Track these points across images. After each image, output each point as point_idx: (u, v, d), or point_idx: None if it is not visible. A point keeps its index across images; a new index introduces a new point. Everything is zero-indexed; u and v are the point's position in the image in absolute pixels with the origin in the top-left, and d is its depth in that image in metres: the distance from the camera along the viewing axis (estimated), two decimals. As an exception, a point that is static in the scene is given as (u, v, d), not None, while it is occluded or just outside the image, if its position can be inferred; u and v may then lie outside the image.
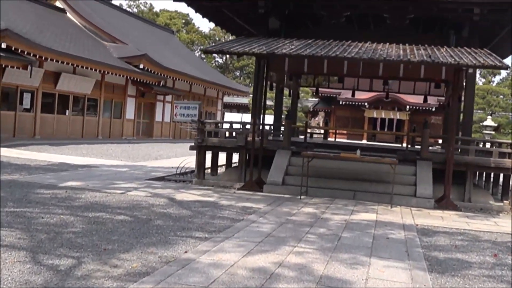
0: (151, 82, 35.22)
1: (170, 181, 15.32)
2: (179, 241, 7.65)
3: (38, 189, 11.71)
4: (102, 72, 31.00)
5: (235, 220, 9.58)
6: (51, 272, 5.87)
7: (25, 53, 23.86)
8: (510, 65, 14.19)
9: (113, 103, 34.69)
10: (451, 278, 6.75)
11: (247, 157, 15.22)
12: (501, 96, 55.38)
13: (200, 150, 15.65)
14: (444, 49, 13.93)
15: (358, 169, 14.12)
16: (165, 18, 79.75)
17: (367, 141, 44.81)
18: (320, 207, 11.69)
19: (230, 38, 41.62)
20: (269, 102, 25.00)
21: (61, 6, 35.69)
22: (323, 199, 13.05)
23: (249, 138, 14.84)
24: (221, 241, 7.75)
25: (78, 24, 35.36)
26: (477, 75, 46.11)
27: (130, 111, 36.31)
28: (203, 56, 72.17)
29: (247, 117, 34.09)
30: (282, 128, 17.14)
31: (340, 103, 50.60)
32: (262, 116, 15.89)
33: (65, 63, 27.14)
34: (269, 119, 19.52)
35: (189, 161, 17.80)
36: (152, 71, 34.36)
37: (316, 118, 54.35)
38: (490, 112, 50.03)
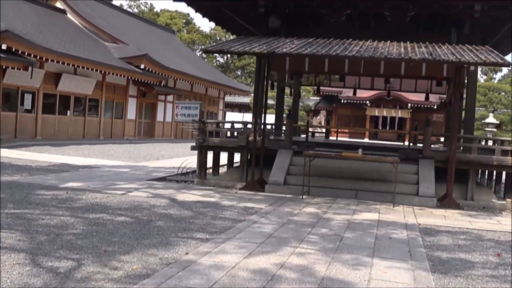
0: (152, 82, 35.19)
1: (171, 182, 15.28)
2: (180, 242, 7.60)
3: (39, 190, 11.67)
4: (103, 72, 30.99)
5: (237, 221, 9.52)
6: (51, 274, 5.82)
7: (26, 54, 23.85)
8: (511, 62, 14.08)
9: (114, 104, 34.67)
10: (454, 278, 6.69)
11: (249, 157, 15.16)
12: (503, 93, 55.29)
13: (202, 150, 15.60)
14: (445, 46, 13.86)
15: (360, 168, 14.06)
16: (166, 18, 79.71)
17: (369, 139, 44.76)
18: (322, 207, 11.63)
19: (231, 37, 41.58)
20: (270, 101, 24.99)
21: (61, 7, 35.67)
22: (325, 198, 13.00)
23: (251, 138, 14.78)
24: (222, 242, 7.69)
25: (79, 24, 35.33)
26: (479, 72, 46.00)
27: (131, 111, 36.29)
28: (204, 55, 72.11)
29: (248, 117, 34.05)
30: (284, 128, 17.10)
31: (342, 101, 50.56)
32: (263, 115, 15.82)
33: (65, 63, 27.13)
34: (270, 118, 19.49)
35: (191, 161, 17.78)
36: (153, 71, 34.33)
37: (318, 117, 54.28)
38: (492, 109, 49.95)
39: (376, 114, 51.70)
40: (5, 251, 6.58)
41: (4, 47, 22.40)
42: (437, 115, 48.94)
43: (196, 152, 15.87)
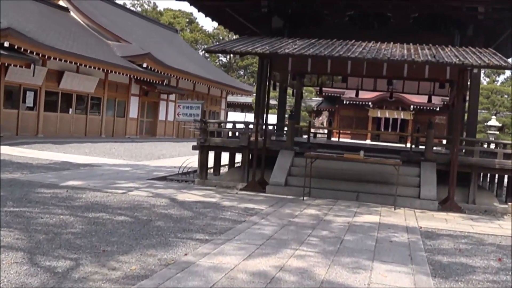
0: (154, 81, 35.17)
1: (172, 181, 15.22)
2: (179, 243, 7.56)
3: (39, 188, 11.63)
4: (105, 71, 30.95)
5: (237, 222, 9.48)
6: (48, 274, 5.78)
7: (28, 51, 23.87)
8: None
9: (117, 102, 34.65)
10: (455, 283, 6.63)
11: (250, 157, 15.12)
12: (506, 96, 55.20)
13: (203, 150, 15.55)
14: (449, 48, 13.80)
15: (362, 170, 14.00)
16: (169, 17, 79.70)
17: (371, 141, 44.70)
18: (323, 209, 11.58)
19: (234, 37, 41.54)
20: (273, 102, 24.96)
21: (65, 5, 35.66)
22: (326, 200, 12.94)
23: (252, 138, 14.74)
24: (222, 243, 7.65)
25: (82, 23, 35.33)
26: (481, 75, 45.96)
27: (133, 110, 36.26)
28: (207, 55, 72.05)
29: (250, 117, 34.11)
30: (286, 128, 17.05)
31: (344, 102, 50.54)
32: (265, 116, 15.77)
33: (68, 61, 27.11)
34: (272, 118, 19.45)
35: (192, 160, 17.73)
36: (156, 70, 34.32)
37: (320, 118, 54.22)
38: (495, 112, 49.86)
39: (379, 115, 51.66)
40: (3, 249, 6.54)
41: (6, 44, 22.40)
42: (439, 117, 48.88)
43: (197, 151, 15.82)
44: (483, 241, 9.50)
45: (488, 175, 17.47)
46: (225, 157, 17.26)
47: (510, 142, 15.31)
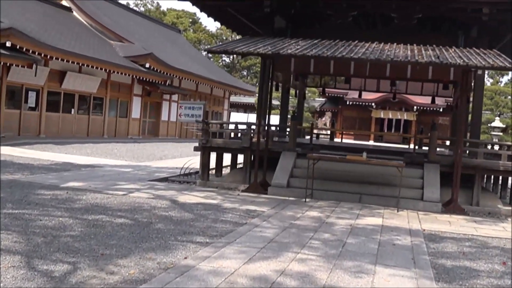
0: (157, 81, 35.08)
1: (173, 182, 15.14)
2: (179, 246, 7.46)
3: (39, 190, 11.55)
4: (108, 71, 30.88)
5: (238, 224, 9.38)
6: (45, 278, 5.69)
7: (30, 51, 23.80)
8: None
9: (119, 102, 34.58)
10: (459, 287, 6.53)
11: (252, 159, 15.02)
12: (509, 97, 55.02)
13: (205, 151, 15.47)
14: (453, 49, 13.68)
15: (364, 172, 13.90)
16: (172, 17, 79.69)
17: (374, 142, 44.59)
18: (325, 211, 11.48)
19: (237, 37, 41.47)
20: (275, 102, 24.85)
21: (68, 5, 35.61)
22: (329, 202, 12.84)
23: (254, 139, 14.64)
24: (223, 246, 7.55)
25: (84, 23, 35.28)
26: (485, 76, 45.82)
27: (136, 110, 36.18)
28: (210, 55, 72.00)
29: (253, 117, 33.99)
30: (288, 129, 16.95)
31: (347, 103, 50.46)
32: (267, 116, 15.69)
33: (70, 61, 27.04)
34: (275, 119, 19.35)
35: (194, 161, 17.64)
36: (158, 70, 34.23)
37: (323, 118, 54.16)
38: (498, 113, 49.72)
39: (382, 116, 51.54)
40: (1, 253, 6.46)
41: (8, 44, 22.34)
42: (442, 118, 48.80)
43: (199, 152, 15.73)
44: (487, 244, 9.38)
45: (492, 176, 17.35)
46: (227, 158, 17.17)
47: (514, 143, 15.19)
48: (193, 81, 40.35)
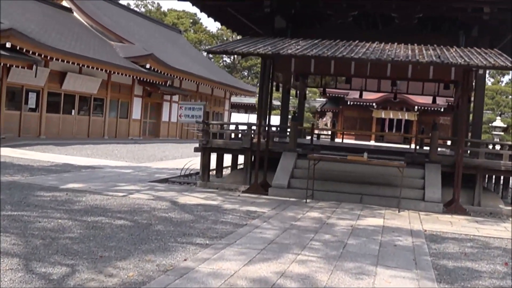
0: (157, 82, 35.03)
1: (174, 183, 15.09)
2: (178, 248, 7.41)
3: (38, 191, 11.50)
4: (108, 71, 30.84)
5: (238, 225, 9.33)
6: (43, 281, 5.64)
7: (30, 52, 23.75)
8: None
9: (120, 103, 34.53)
10: (461, 289, 6.49)
11: (253, 159, 14.97)
12: (510, 97, 54.96)
13: (205, 152, 15.41)
14: (454, 49, 13.63)
15: (365, 172, 13.84)
16: (173, 18, 79.65)
17: (375, 142, 44.53)
18: (326, 212, 11.42)
19: (238, 37, 41.42)
20: (276, 103, 24.81)
21: (68, 6, 35.58)
22: (329, 202, 12.78)
23: (255, 140, 14.59)
24: (222, 248, 7.49)
25: (85, 23, 35.25)
26: (486, 75, 45.74)
27: (136, 111, 36.13)
28: (210, 56, 71.95)
29: (254, 118, 33.94)
30: (289, 130, 16.89)
31: (348, 103, 50.38)
32: (268, 117, 15.64)
33: (71, 62, 27.00)
34: (275, 120, 19.29)
35: (195, 162, 17.59)
36: (159, 71, 34.18)
37: (324, 119, 54.10)
38: (499, 113, 49.65)
39: (383, 116, 51.48)
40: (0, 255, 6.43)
41: (8, 45, 22.29)
42: (443, 117, 48.73)
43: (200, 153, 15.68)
44: (489, 245, 9.33)
45: (493, 176, 17.29)
46: (227, 159, 17.12)
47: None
48: (193, 81, 40.30)
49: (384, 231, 9.70)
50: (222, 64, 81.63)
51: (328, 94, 48.53)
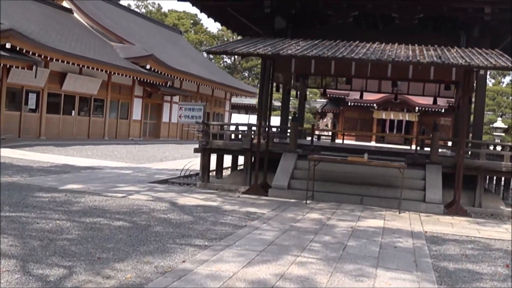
0: (158, 83, 34.99)
1: (173, 184, 15.04)
2: (177, 250, 7.35)
3: (37, 192, 11.45)
4: (108, 72, 30.81)
5: (238, 227, 9.27)
6: (40, 283, 5.59)
7: (30, 53, 23.71)
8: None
9: (120, 104, 34.49)
10: (462, 291, 6.43)
11: (253, 160, 14.91)
12: (511, 98, 54.89)
13: (205, 153, 15.35)
14: (454, 49, 13.57)
15: (366, 173, 13.78)
16: (174, 19, 79.61)
17: (376, 142, 44.47)
18: (326, 213, 11.36)
19: (239, 38, 41.33)
20: (277, 103, 24.76)
21: (68, 6, 35.53)
22: (330, 204, 12.72)
23: (255, 141, 14.53)
24: (222, 249, 7.44)
25: (85, 24, 35.21)
26: (487, 76, 45.68)
27: (137, 112, 36.09)
28: (211, 56, 71.88)
29: (254, 119, 33.87)
30: (289, 130, 16.84)
31: (349, 104, 50.35)
32: (268, 118, 15.58)
33: (71, 63, 26.98)
34: (276, 120, 19.24)
35: (195, 163, 17.53)
36: (159, 72, 34.13)
37: (325, 119, 53.99)
38: (500, 114, 49.61)
39: (383, 117, 51.42)
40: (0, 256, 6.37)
41: (8, 46, 22.25)
42: (444, 119, 48.66)
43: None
44: (490, 246, 9.26)
45: (494, 177, 17.22)
46: (227, 159, 17.06)
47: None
48: (194, 82, 40.25)
49: (385, 232, 9.64)
50: (222, 65, 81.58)
51: (328, 95, 48.49)
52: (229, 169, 17.84)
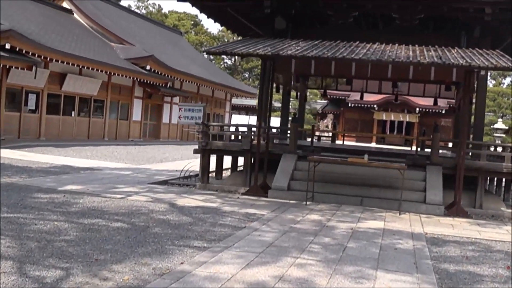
0: (158, 84, 34.92)
1: (173, 185, 14.97)
2: (175, 251, 7.29)
3: (36, 193, 11.39)
4: (108, 73, 30.74)
5: (237, 228, 9.21)
6: (36, 285, 5.53)
7: (30, 53, 23.65)
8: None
9: (120, 105, 34.43)
10: (462, 293, 6.37)
11: (252, 161, 14.85)
12: (512, 99, 54.84)
13: (204, 154, 15.29)
14: (455, 50, 13.52)
15: (366, 174, 13.72)
16: (174, 20, 79.55)
17: (376, 143, 44.40)
18: (326, 214, 11.30)
19: (239, 39, 41.23)
20: (277, 104, 24.69)
21: (68, 7, 35.49)
22: (330, 205, 12.66)
23: (255, 142, 14.47)
24: (220, 251, 7.38)
25: (85, 25, 35.16)
26: (488, 77, 45.59)
27: (137, 113, 36.02)
28: (211, 57, 71.80)
29: (254, 119, 33.84)
30: (289, 131, 16.78)
31: (349, 105, 50.27)
32: (268, 118, 15.52)
33: (71, 64, 26.92)
34: (276, 121, 19.17)
35: (194, 164, 17.48)
36: (159, 72, 34.07)
37: (325, 120, 53.92)
38: (501, 115, 49.55)
39: (384, 118, 51.33)
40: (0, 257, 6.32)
41: (8, 46, 22.20)
42: (445, 120, 48.56)
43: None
44: (491, 248, 9.20)
45: (495, 179, 17.16)
46: (227, 160, 17.00)
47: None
48: (194, 83, 40.20)
49: (385, 234, 9.59)
50: (223, 66, 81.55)
51: (329, 96, 48.43)
52: (229, 170, 17.78)
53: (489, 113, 48.45)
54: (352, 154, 14.34)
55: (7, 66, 23.62)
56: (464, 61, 11.87)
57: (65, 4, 35.56)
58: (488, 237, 10.11)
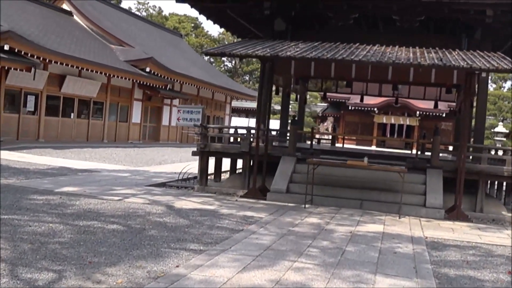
0: (158, 86, 34.83)
1: (171, 188, 14.85)
2: (171, 254, 7.17)
3: (32, 195, 11.27)
4: (108, 75, 30.63)
5: (234, 231, 9.09)
6: (28, 287, 5.41)
7: (29, 55, 23.55)
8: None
9: (119, 107, 34.32)
10: (463, 298, 6.25)
11: (251, 164, 14.74)
12: (512, 102, 54.78)
13: (203, 156, 15.19)
14: (456, 52, 13.41)
15: (366, 177, 13.60)
16: (174, 22, 79.57)
17: (376, 147, 44.32)
18: (324, 217, 11.18)
19: (239, 40, 41.11)
20: (277, 107, 24.57)
21: (68, 9, 35.42)
22: (329, 208, 12.54)
23: (253, 144, 14.36)
24: (217, 254, 7.26)
25: (85, 26, 35.08)
26: (488, 80, 45.52)
27: (136, 115, 35.92)
28: (212, 60, 71.78)
29: (254, 122, 33.83)
30: (288, 134, 16.68)
31: (349, 108, 50.24)
32: (267, 121, 15.41)
33: (70, 65, 26.82)
34: (275, 124, 19.06)
35: (193, 166, 17.38)
36: (159, 75, 33.98)
37: (325, 123, 53.89)
38: (502, 118, 49.46)
39: (384, 121, 51.29)
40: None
41: (6, 47, 22.11)
42: (445, 123, 48.52)
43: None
44: (492, 252, 9.08)
45: (496, 182, 17.05)
46: (226, 163, 16.89)
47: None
48: (194, 85, 40.10)
49: (384, 237, 9.47)
50: (223, 68, 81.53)
51: (329, 99, 48.38)
52: (228, 172, 17.66)
53: (490, 117, 48.39)
54: (351, 157, 14.24)
55: (6, 68, 23.52)
56: (465, 63, 11.77)
57: (65, 6, 35.49)
58: (488, 242, 9.99)
